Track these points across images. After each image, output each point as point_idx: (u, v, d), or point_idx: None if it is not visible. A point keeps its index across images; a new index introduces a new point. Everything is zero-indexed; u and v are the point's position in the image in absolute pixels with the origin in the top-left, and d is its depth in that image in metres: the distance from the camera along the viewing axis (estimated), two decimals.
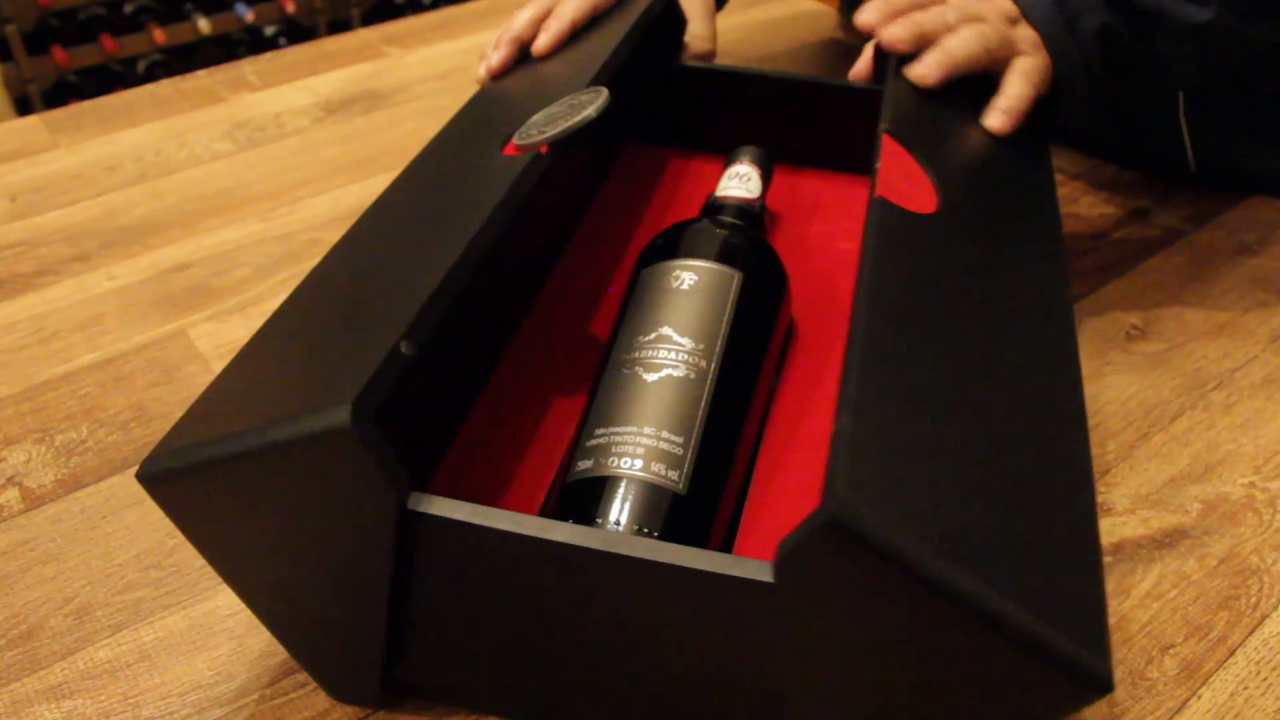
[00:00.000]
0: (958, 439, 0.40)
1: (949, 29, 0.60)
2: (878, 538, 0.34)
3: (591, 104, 0.54)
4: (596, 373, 0.54)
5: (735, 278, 0.55)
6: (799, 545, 0.35)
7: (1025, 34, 0.63)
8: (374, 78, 1.06)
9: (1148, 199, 0.85)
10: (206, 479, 0.40)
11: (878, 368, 0.41)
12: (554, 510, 0.48)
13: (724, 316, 0.53)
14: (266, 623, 0.47)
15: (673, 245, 0.58)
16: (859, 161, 0.78)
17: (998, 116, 0.60)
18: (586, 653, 0.43)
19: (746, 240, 0.59)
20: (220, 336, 0.71)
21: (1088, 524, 0.38)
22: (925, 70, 0.60)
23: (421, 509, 0.40)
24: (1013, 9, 0.64)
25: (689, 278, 0.55)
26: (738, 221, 0.62)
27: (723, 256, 0.56)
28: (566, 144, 0.54)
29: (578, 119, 0.53)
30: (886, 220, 0.49)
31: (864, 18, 0.61)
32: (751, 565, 0.38)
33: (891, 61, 0.62)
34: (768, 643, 0.39)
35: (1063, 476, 0.40)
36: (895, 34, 0.60)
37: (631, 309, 0.55)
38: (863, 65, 0.72)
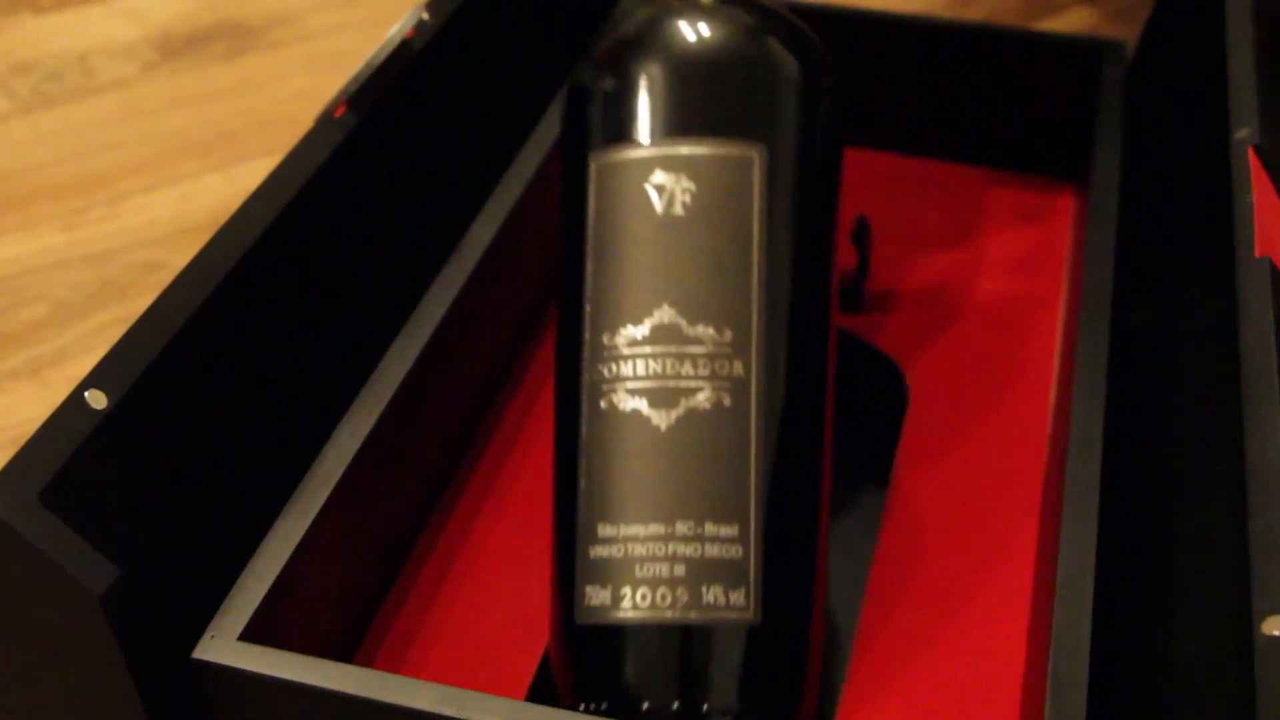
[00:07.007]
0: None
1: None
2: None
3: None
4: (558, 395, 0.33)
5: (755, 161, 0.32)
6: None
7: None
8: (240, 1, 0.73)
9: None
10: None
11: None
12: (564, 671, 0.32)
13: (751, 260, 0.31)
14: None
15: (623, 99, 0.32)
16: None
17: None
18: None
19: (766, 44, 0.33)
20: None
21: None
22: None
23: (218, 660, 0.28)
24: None
25: (683, 190, 0.32)
26: None
27: (734, 121, 0.31)
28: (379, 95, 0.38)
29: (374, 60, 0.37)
30: None
31: None
32: None
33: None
34: None
35: None
36: None
37: (595, 266, 0.32)
38: None
